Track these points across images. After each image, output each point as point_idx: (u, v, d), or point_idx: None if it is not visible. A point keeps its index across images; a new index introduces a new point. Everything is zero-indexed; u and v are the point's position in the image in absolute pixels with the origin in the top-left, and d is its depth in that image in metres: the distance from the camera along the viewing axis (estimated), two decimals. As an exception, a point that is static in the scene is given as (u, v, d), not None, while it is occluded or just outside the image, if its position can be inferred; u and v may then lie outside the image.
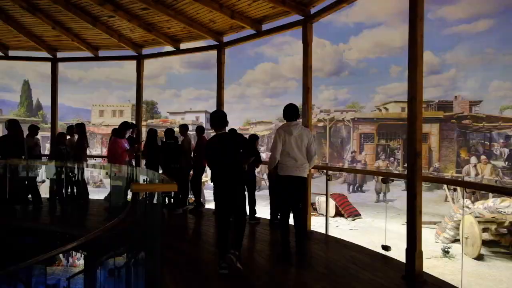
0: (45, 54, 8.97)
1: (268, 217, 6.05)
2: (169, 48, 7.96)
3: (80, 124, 7.83)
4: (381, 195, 15.87)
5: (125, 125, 6.16)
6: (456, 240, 9.36)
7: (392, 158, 22.49)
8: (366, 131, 24.48)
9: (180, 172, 6.67)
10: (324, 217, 5.91)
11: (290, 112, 4.21)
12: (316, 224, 10.81)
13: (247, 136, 5.39)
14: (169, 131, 6.90)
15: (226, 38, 7.15)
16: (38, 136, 7.82)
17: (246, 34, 6.69)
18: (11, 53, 9.04)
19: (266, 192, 6.51)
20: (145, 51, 8.46)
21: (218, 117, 3.95)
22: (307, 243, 4.96)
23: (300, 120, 4.70)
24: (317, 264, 4.11)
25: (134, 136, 7.26)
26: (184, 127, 7.25)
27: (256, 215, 6.19)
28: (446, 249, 8.40)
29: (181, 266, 3.88)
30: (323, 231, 5.61)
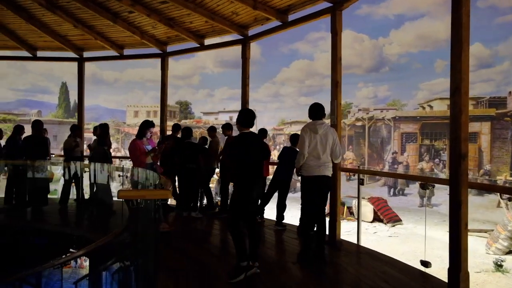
0: (71, 54, 9.16)
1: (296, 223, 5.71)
2: (193, 44, 7.81)
3: (104, 124, 7.87)
4: (425, 199, 14.94)
5: (144, 124, 5.93)
6: (510, 252, 8.54)
7: (437, 160, 21.27)
8: (408, 130, 23.39)
9: (197, 173, 6.54)
10: (362, 223, 5.47)
11: (316, 111, 4.29)
12: (352, 230, 10.32)
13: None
14: (186, 130, 6.80)
15: (251, 32, 6.88)
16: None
17: (271, 26, 6.38)
18: (39, 54, 9.33)
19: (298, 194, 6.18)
20: (170, 48, 8.38)
21: (245, 116, 3.90)
22: (336, 254, 4.57)
23: (325, 120, 4.36)
24: (343, 281, 3.70)
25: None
26: (212, 129, 7.36)
27: (284, 221, 5.90)
28: (499, 262, 7.63)
29: (187, 271, 3.65)
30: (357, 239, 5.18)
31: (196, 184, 6.59)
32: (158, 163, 5.98)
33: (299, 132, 4.50)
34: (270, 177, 6.46)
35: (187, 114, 47.36)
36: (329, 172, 4.22)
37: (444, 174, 19.05)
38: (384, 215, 12.04)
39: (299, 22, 5.76)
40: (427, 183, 4.49)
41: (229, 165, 5.06)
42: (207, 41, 7.72)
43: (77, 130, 7.76)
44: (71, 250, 4.66)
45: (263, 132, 6.42)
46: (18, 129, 7.64)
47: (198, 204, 6.96)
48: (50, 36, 8.10)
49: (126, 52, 8.84)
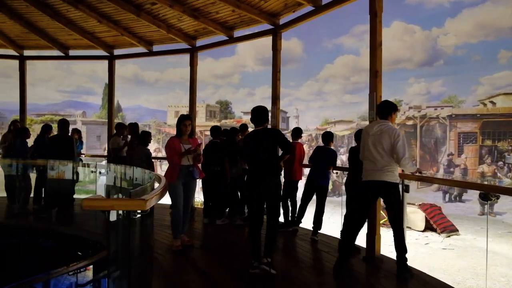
0: (103, 52, 9.21)
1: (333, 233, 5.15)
2: (222, 37, 7.50)
3: (133, 123, 7.78)
4: (487, 206, 13.61)
5: (178, 120, 5.16)
6: None
7: (501, 163, 19.48)
8: (467, 130, 21.71)
9: (222, 176, 6.18)
10: (413, 233, 4.82)
11: (380, 108, 3.96)
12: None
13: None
14: (214, 129, 6.48)
15: (282, 20, 6.42)
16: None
17: (304, 12, 5.88)
18: (72, 52, 9.48)
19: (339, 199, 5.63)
20: (199, 42, 8.13)
21: (257, 113, 4.04)
22: (374, 275, 4.00)
23: (380, 120, 3.90)
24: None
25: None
26: (243, 127, 6.84)
27: (320, 231, 5.38)
28: None
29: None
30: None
31: (222, 188, 6.25)
32: (200, 166, 5.51)
33: (344, 133, 4.09)
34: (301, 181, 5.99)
35: (227, 113, 47.60)
36: (389, 178, 3.76)
37: (509, 179, 17.37)
38: (438, 224, 11.03)
39: (334, 4, 5.21)
40: (489, 193, 3.73)
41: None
42: (237, 33, 7.38)
43: (122, 129, 7.55)
44: (78, 253, 4.50)
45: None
46: (46, 128, 7.72)
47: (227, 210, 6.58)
48: (79, 34, 8.13)
49: (156, 48, 8.75)
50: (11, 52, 9.46)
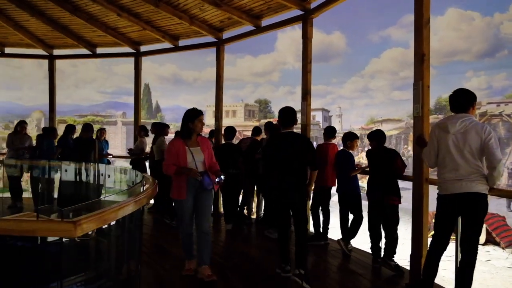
0: (128, 49, 9.08)
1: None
2: (249, 27, 7.04)
3: (157, 123, 7.61)
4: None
5: (192, 114, 5.10)
6: None
7: None
8: (536, 128, 19.80)
9: (239, 179, 5.95)
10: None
11: (455, 99, 3.19)
12: (453, 253, 8.52)
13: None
14: (228, 130, 6.26)
15: (314, 4, 5.84)
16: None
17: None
18: (99, 50, 9.44)
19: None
20: (226, 34, 7.72)
21: (285, 114, 3.90)
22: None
23: (461, 115, 3.15)
24: None
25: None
26: (268, 126, 6.25)
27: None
28: None
29: None
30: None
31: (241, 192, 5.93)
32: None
33: (392, 132, 3.52)
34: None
35: (267, 113, 47.14)
36: (478, 188, 3.01)
37: None
38: (501, 237, 9.92)
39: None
40: None
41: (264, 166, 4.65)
42: (265, 22, 6.88)
43: (144, 130, 7.73)
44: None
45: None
46: (70, 128, 7.71)
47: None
48: (101, 29, 8.00)
49: (182, 43, 8.47)
50: (41, 52, 9.63)
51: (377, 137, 4.51)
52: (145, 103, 51.29)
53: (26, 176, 8.00)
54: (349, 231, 4.91)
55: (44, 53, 9.57)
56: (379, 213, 4.36)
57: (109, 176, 5.73)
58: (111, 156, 9.80)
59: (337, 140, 8.64)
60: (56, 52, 9.68)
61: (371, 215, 4.44)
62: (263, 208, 6.45)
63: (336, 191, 5.17)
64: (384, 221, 4.35)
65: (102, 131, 9.37)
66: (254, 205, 7.13)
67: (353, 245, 4.97)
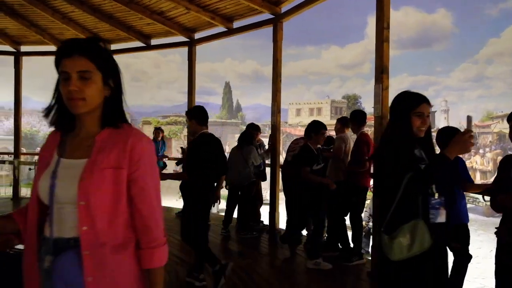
0: (182, 39, 8.59)
1: None
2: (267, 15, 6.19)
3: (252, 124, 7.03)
4: None
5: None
6: None
7: None
8: None
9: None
10: None
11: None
12: None
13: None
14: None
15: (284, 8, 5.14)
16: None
17: None
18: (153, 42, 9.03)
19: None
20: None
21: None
22: None
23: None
24: None
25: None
26: (342, 121, 5.53)
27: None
28: None
29: None
30: None
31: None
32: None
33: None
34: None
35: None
36: None
37: None
38: None
39: None
40: None
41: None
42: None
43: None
44: None
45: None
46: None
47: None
48: (145, 15, 7.55)
49: (236, 24, 7.61)
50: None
51: None
52: (226, 102, 51.94)
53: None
54: None
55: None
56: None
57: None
58: (167, 159, 9.38)
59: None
60: (113, 47, 9.62)
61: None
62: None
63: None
64: None
65: (157, 131, 9.01)
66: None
67: None
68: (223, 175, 4.20)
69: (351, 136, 5.33)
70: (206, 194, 3.84)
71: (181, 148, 7.55)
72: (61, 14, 8.26)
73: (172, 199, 12.91)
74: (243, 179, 5.97)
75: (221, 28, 7.72)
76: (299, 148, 5.60)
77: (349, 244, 4.82)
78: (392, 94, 4.27)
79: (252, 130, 6.55)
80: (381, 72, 4.41)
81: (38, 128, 40.57)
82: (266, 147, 6.98)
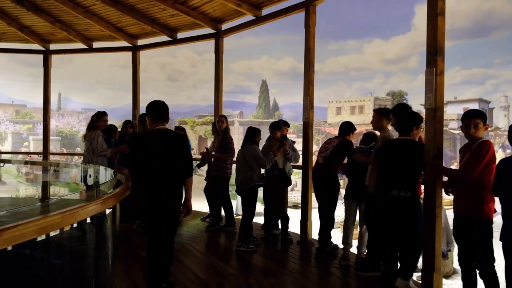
0: (209, 31, 8.17)
1: None
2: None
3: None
4: None
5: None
6: None
7: None
8: None
9: None
10: None
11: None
12: None
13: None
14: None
15: None
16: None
17: None
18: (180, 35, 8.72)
19: None
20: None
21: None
22: None
23: None
24: None
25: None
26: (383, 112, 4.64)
27: None
28: None
29: None
30: None
31: None
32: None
33: None
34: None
35: (402, 108, 42.62)
36: None
37: None
38: None
39: None
40: None
41: None
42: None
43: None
44: None
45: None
46: (126, 124, 7.00)
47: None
48: (168, 5, 7.17)
49: (265, 12, 7.05)
50: (125, 43, 9.41)
51: None
52: (262, 101, 51.40)
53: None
54: None
55: (128, 44, 9.30)
56: None
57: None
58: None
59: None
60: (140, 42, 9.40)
61: None
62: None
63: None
64: None
65: (178, 129, 8.59)
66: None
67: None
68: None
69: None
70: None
71: (206, 148, 7.07)
72: (83, 7, 8.02)
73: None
74: (245, 183, 5.32)
75: (249, 17, 7.20)
76: (332, 148, 4.98)
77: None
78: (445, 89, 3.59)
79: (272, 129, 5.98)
80: (435, 53, 3.64)
81: (78, 128, 42.03)
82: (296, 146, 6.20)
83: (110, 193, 2.69)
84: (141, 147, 3.62)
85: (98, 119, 6.04)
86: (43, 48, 10.02)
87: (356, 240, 4.66)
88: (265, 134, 5.80)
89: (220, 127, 6.53)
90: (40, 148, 12.49)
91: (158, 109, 3.66)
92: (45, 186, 9.65)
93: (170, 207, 3.54)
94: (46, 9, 8.31)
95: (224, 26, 7.95)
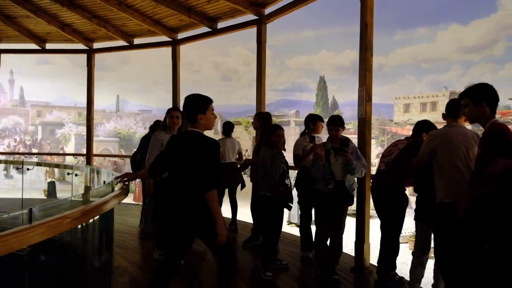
0: (251, 17, 7.47)
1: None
2: None
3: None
4: None
5: None
6: None
7: None
8: None
9: None
10: None
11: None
12: None
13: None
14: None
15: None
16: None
17: None
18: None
19: None
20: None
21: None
22: None
23: None
24: None
25: None
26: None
27: None
28: None
29: None
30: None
31: None
32: None
33: None
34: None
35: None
36: None
37: None
38: None
39: None
40: None
41: None
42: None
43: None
44: None
45: None
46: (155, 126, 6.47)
47: None
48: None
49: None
50: (165, 38, 9.08)
51: None
52: (320, 99, 49.65)
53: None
54: None
55: (169, 39, 8.94)
56: None
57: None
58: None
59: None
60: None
61: None
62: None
63: None
64: None
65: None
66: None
67: None
68: None
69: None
70: None
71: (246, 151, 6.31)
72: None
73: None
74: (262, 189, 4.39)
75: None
76: (398, 152, 4.01)
77: None
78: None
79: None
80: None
81: (135, 130, 43.60)
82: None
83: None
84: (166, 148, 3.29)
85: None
86: (87, 47, 9.98)
87: (431, 273, 3.67)
88: (325, 135, 4.77)
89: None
90: (99, 150, 12.64)
91: (185, 105, 3.10)
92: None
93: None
94: (79, 3, 8.10)
95: (268, 11, 7.18)
